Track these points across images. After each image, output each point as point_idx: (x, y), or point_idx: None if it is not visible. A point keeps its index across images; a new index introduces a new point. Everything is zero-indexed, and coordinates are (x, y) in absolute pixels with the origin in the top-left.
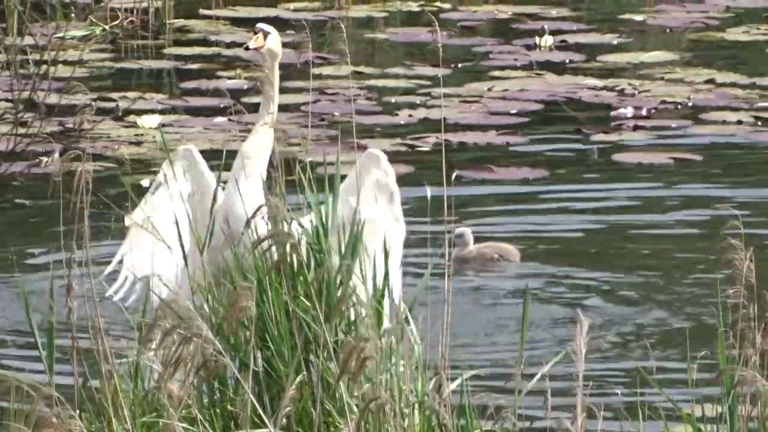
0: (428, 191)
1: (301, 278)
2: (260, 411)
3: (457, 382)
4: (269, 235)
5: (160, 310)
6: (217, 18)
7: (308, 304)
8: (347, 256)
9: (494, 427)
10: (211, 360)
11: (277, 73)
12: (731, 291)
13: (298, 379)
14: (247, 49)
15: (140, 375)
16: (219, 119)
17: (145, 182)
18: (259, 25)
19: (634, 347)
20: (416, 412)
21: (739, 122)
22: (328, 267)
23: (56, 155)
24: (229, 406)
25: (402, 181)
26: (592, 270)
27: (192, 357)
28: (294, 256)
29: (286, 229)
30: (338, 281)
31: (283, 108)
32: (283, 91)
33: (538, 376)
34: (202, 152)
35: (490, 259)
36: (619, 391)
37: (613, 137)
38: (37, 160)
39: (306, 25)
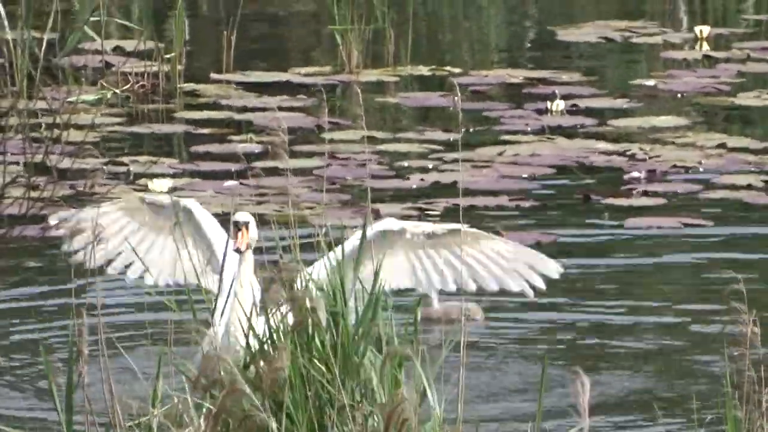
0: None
1: (318, 341)
2: None
3: None
4: (287, 299)
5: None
6: (228, 82)
7: (322, 368)
8: (365, 321)
9: None
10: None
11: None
12: (736, 353)
13: None
14: (238, 251)
15: None
16: (230, 183)
17: None
18: (237, 217)
19: (637, 410)
20: None
21: (749, 186)
22: (345, 330)
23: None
24: None
25: None
26: (596, 333)
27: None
28: (311, 319)
29: (302, 291)
30: (359, 347)
31: (295, 172)
32: (294, 155)
33: None
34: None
35: (455, 319)
36: None
37: (623, 201)
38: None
39: (323, 90)
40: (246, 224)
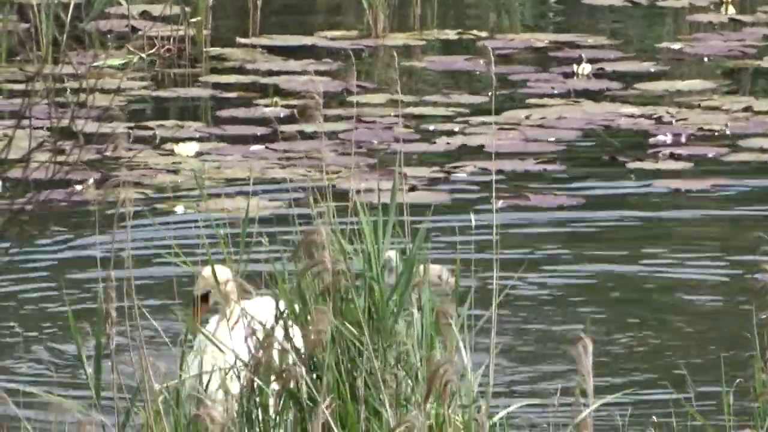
0: (473, 218)
1: (351, 305)
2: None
3: (503, 413)
4: (318, 262)
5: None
6: (254, 46)
7: (355, 331)
8: (401, 284)
9: None
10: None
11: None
12: (764, 316)
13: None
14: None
15: (181, 402)
16: (256, 147)
17: (179, 209)
18: (195, 291)
19: (663, 372)
20: None
21: None
22: (380, 293)
23: (91, 182)
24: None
25: (439, 209)
26: (623, 298)
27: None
28: (342, 281)
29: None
30: (392, 309)
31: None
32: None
33: (582, 416)
34: (239, 181)
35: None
36: (654, 417)
37: (650, 165)
38: (75, 188)
39: (351, 54)
40: (204, 296)
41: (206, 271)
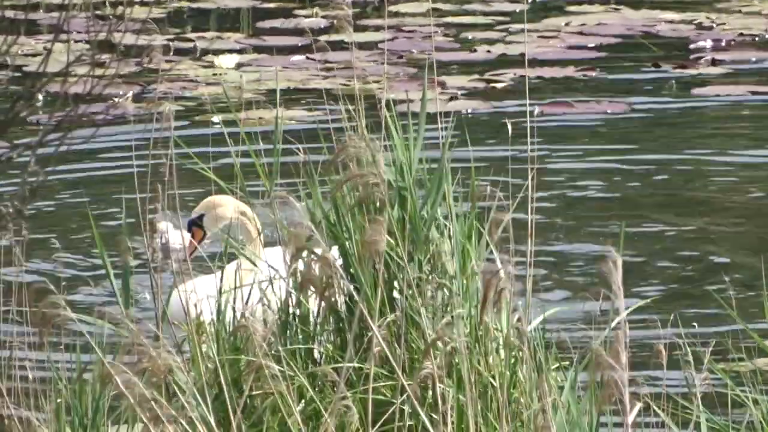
0: (509, 125)
1: (385, 215)
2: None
3: (540, 319)
4: (354, 175)
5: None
6: None
7: (392, 241)
8: (432, 192)
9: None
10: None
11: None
12: None
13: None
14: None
15: (222, 315)
16: (296, 57)
17: (216, 119)
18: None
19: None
20: (500, 347)
21: None
22: (413, 204)
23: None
24: (311, 344)
25: (480, 118)
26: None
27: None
28: (377, 193)
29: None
30: (424, 218)
31: (360, 46)
32: (360, 29)
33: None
34: (281, 90)
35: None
36: (695, 324)
37: (691, 71)
38: (113, 100)
39: None
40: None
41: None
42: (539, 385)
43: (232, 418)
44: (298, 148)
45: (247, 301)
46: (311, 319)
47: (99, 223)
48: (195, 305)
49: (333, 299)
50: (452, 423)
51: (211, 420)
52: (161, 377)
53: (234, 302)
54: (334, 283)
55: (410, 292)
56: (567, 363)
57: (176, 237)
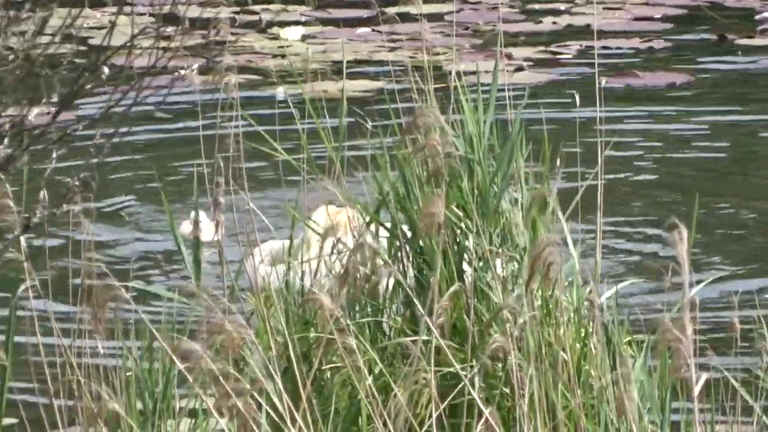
0: (577, 97)
1: (455, 187)
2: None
3: (611, 292)
4: (423, 146)
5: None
6: None
7: (461, 213)
8: (503, 163)
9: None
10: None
11: None
12: None
13: (452, 289)
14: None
15: (291, 287)
16: (362, 30)
17: (280, 90)
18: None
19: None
20: (571, 321)
21: None
22: (483, 176)
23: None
24: (380, 318)
25: (546, 89)
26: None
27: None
28: (448, 165)
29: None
30: (494, 190)
31: (427, 18)
32: (427, 0)
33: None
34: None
35: None
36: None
37: (756, 41)
38: (178, 73)
39: None
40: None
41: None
42: (611, 359)
43: (302, 391)
44: (365, 119)
45: (315, 274)
46: (380, 292)
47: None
48: (264, 276)
49: (401, 272)
50: (522, 395)
51: (283, 393)
52: (235, 351)
53: (302, 274)
54: (402, 256)
55: (480, 264)
56: (640, 337)
57: (208, 230)
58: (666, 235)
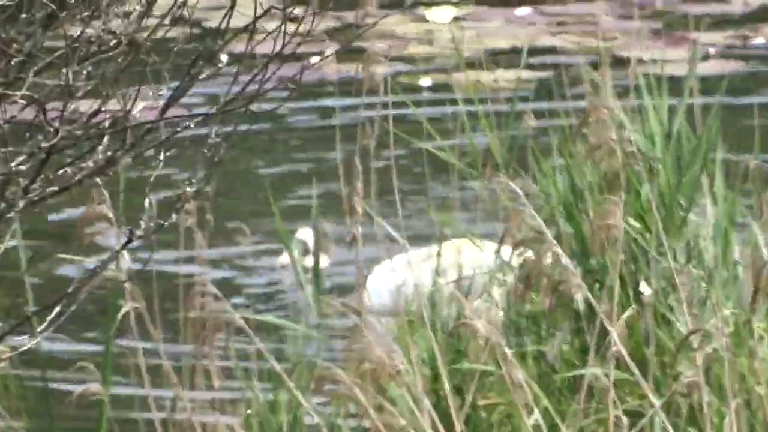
0: None
1: (633, 194)
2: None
3: None
4: (601, 143)
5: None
6: None
7: (640, 225)
8: (692, 167)
9: None
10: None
11: None
12: None
13: (627, 313)
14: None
15: (437, 310)
16: (522, 10)
17: (425, 82)
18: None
19: None
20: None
21: None
22: (666, 178)
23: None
24: (541, 347)
25: (732, 81)
26: None
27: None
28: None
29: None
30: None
31: None
32: None
33: None
34: (501, 52)
35: None
36: None
37: None
38: (310, 60)
39: None
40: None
41: None
42: None
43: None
44: (526, 115)
45: (467, 295)
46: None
47: (286, 202)
48: (400, 294)
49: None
50: None
51: None
52: (388, 381)
53: (451, 294)
54: (568, 276)
55: (662, 285)
56: None
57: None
58: None
